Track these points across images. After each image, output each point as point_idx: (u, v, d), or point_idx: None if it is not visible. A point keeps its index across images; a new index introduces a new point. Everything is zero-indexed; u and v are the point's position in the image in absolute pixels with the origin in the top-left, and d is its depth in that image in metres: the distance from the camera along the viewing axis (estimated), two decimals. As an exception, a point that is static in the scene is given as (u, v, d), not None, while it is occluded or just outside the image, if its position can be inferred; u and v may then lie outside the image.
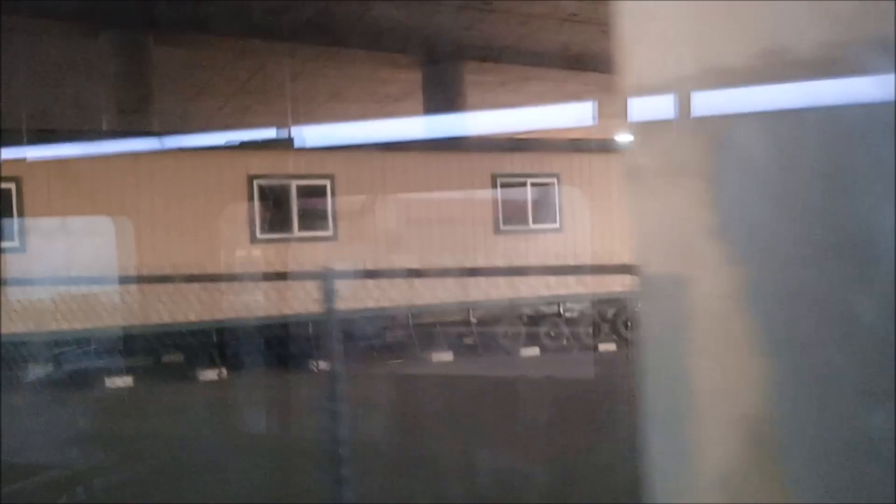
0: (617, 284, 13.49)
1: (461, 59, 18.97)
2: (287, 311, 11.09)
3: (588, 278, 13.01)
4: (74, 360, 11.41)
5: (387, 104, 22.00)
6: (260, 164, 12.08)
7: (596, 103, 18.31)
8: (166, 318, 10.87)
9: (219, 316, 11.22)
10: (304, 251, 12.00)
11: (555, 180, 13.95)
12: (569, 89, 20.48)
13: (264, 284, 11.54)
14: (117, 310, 10.63)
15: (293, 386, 10.22)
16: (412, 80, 19.70)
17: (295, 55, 18.47)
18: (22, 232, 10.58)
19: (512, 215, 13.62)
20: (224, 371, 11.59)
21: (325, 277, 3.81)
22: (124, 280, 10.47)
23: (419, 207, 13.28)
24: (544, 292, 13.48)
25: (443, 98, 19.03)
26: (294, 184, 12.14)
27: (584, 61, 18.98)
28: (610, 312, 14.17)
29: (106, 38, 16.43)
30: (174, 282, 10.05)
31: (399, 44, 17.98)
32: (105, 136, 15.14)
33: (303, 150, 13.06)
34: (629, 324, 14.21)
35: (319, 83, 20.29)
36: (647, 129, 1.56)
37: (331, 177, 12.38)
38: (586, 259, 13.66)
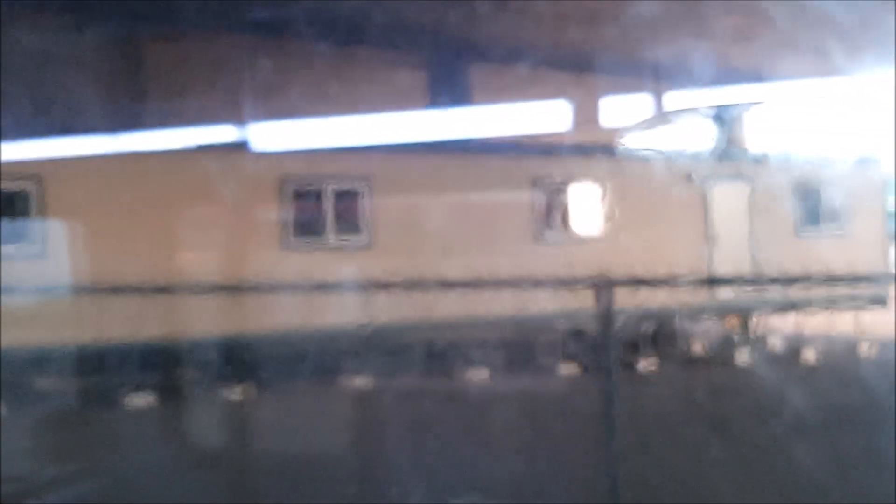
0: (652, 300, 12.89)
1: (469, 60, 18.30)
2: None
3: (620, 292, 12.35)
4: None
5: (385, 105, 21.23)
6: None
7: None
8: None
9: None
10: (338, 259, 11.19)
11: (599, 187, 13.34)
12: (573, 91, 19.93)
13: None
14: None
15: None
16: (415, 80, 18.96)
17: (293, 53, 17.62)
18: (44, 236, 9.54)
19: (553, 223, 12.97)
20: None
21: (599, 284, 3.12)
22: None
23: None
24: (572, 306, 12.83)
25: (447, 99, 18.29)
26: (330, 187, 11.32)
27: (596, 63, 18.41)
28: (647, 328, 13.56)
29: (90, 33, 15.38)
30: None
31: (405, 43, 17.24)
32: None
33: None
34: (668, 340, 13.63)
35: (315, 81, 19.44)
36: None
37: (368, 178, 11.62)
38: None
